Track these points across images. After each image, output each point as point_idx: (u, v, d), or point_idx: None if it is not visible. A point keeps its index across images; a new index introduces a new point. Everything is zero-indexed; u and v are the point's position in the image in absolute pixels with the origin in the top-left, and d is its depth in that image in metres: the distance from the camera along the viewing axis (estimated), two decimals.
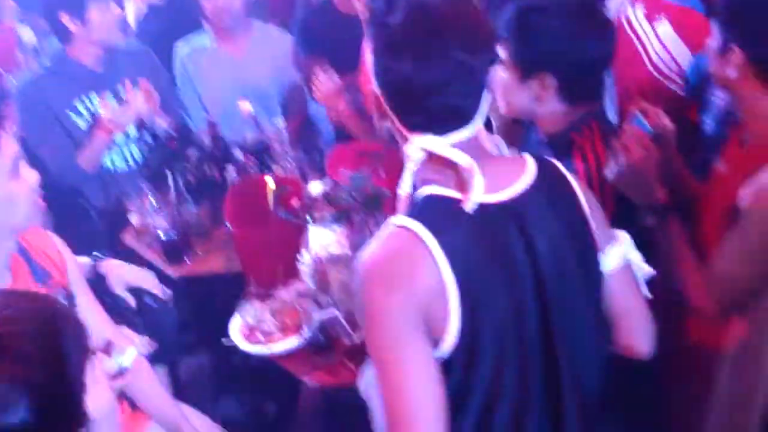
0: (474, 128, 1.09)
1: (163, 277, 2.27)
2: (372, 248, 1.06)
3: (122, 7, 3.17)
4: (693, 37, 2.15)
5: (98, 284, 1.86)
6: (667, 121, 1.65)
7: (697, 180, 1.71)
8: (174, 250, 2.30)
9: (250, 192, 2.16)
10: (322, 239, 1.87)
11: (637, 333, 1.24)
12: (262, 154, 2.48)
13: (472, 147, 1.09)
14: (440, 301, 1.01)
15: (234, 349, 1.89)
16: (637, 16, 2.32)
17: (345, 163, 2.32)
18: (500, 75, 1.56)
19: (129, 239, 2.49)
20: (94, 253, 1.89)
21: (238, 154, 2.52)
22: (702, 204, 1.64)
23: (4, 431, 0.77)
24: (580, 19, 1.53)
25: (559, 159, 1.60)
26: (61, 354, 0.86)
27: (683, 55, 2.20)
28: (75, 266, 1.79)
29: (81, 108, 2.65)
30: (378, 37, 1.07)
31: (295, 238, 2.00)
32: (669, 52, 2.24)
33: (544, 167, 1.16)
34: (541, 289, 1.08)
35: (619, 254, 1.19)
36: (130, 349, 1.54)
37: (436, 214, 1.06)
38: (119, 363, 1.47)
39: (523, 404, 1.08)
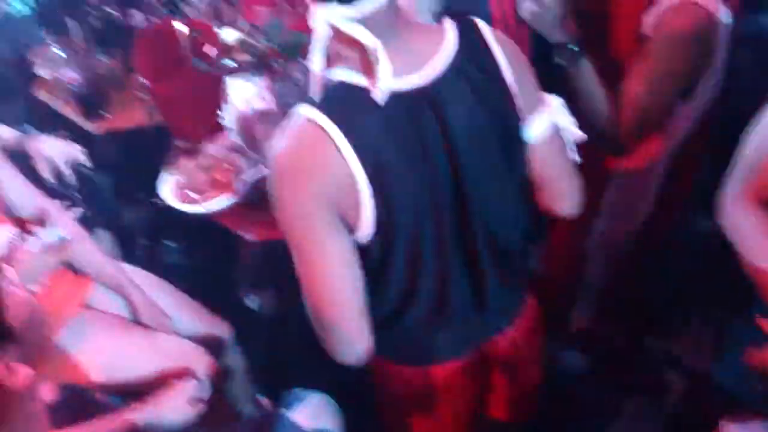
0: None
1: (86, 137, 2.21)
2: (280, 141, 1.04)
3: None
4: None
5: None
6: None
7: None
8: (90, 104, 2.19)
9: (160, 40, 2.02)
10: (243, 92, 1.80)
11: (561, 196, 1.23)
12: None
13: (385, 16, 1.00)
14: (351, 192, 1.01)
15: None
16: None
17: (260, 1, 2.17)
18: None
19: (42, 94, 2.35)
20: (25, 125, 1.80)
21: None
22: (607, 31, 1.60)
23: None
24: None
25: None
26: None
27: None
28: None
29: None
30: None
31: (215, 89, 1.92)
32: None
33: (465, 35, 1.08)
34: (457, 170, 1.07)
35: (546, 121, 1.16)
36: (65, 219, 1.55)
37: (344, 104, 1.02)
38: (58, 235, 1.49)
39: (444, 274, 1.14)
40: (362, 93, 1.01)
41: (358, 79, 1.02)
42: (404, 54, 1.03)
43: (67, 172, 1.90)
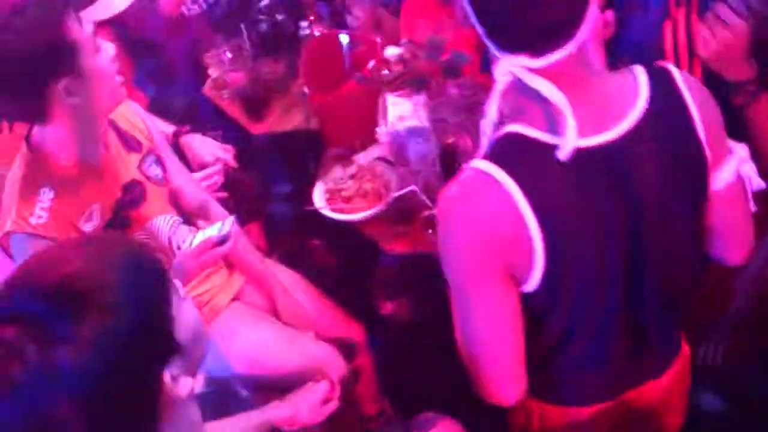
0: (575, 44, 0.95)
1: (245, 136, 2.35)
2: (451, 190, 1.03)
3: None
4: None
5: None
6: None
7: None
8: (253, 106, 2.32)
9: (325, 51, 2.11)
10: (400, 110, 1.84)
11: (736, 245, 1.19)
12: (333, 2, 2.37)
13: (572, 68, 0.97)
14: (523, 248, 0.99)
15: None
16: None
17: (421, 14, 2.20)
18: None
19: (209, 91, 2.53)
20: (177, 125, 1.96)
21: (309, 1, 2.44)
22: None
23: (94, 388, 0.80)
24: None
25: (651, 29, 1.49)
26: (145, 296, 0.87)
27: None
28: (160, 133, 1.86)
29: None
30: None
31: (373, 102, 1.98)
32: None
33: (657, 85, 1.03)
34: (638, 224, 1.03)
35: (732, 170, 1.10)
36: (228, 218, 1.66)
37: (522, 159, 0.99)
38: (220, 231, 1.60)
39: (606, 321, 1.11)
40: (543, 149, 0.98)
41: (539, 134, 0.99)
42: (592, 109, 0.98)
43: (214, 170, 2.04)
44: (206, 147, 2.10)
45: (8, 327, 0.79)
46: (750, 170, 1.15)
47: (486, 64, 2.05)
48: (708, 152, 1.05)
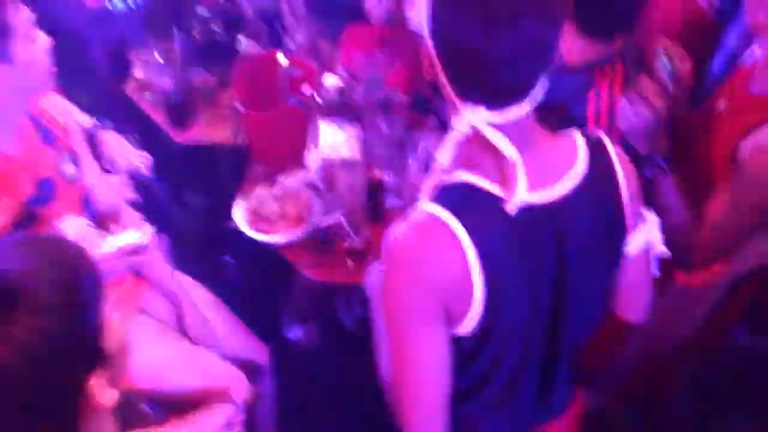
0: (530, 104, 1.02)
1: (164, 140, 2.29)
2: (401, 232, 1.05)
3: None
4: None
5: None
6: (688, 65, 1.62)
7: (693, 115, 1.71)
8: (178, 114, 2.27)
9: (262, 70, 2.10)
10: (333, 138, 1.87)
11: (637, 305, 1.29)
12: (273, 22, 2.37)
13: (523, 125, 1.03)
14: (464, 291, 1.03)
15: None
16: None
17: (361, 48, 2.25)
18: None
19: (131, 91, 2.44)
20: (95, 120, 1.88)
21: (249, 16, 2.42)
22: (698, 144, 1.63)
23: (27, 380, 0.80)
24: None
25: (575, 93, 1.60)
26: (79, 301, 0.87)
27: None
28: (78, 130, 1.79)
29: None
30: None
31: (304, 125, 1.99)
32: None
33: (593, 152, 1.11)
34: (563, 279, 1.10)
35: (644, 237, 1.19)
36: (146, 227, 1.60)
37: (471, 207, 1.03)
38: (137, 240, 1.55)
39: (524, 363, 1.17)
40: (490, 199, 1.03)
41: (488, 185, 1.04)
42: (538, 165, 1.04)
43: (125, 174, 1.98)
44: (122, 149, 2.02)
45: None
46: (656, 237, 1.26)
47: (416, 105, 2.13)
48: (629, 217, 1.15)
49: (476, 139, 1.03)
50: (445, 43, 0.98)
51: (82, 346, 0.86)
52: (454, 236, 1.01)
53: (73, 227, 1.60)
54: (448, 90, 1.03)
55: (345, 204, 1.82)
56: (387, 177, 1.90)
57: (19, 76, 1.41)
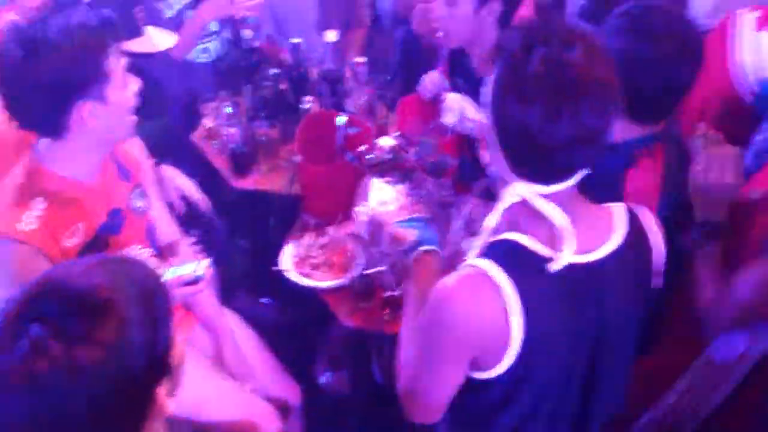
0: (577, 178, 1.11)
1: (223, 186, 2.44)
2: (449, 280, 1.12)
3: None
4: None
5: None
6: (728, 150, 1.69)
7: None
8: (240, 162, 2.43)
9: (322, 127, 2.26)
10: (382, 195, 1.97)
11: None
12: (336, 84, 2.54)
13: (568, 195, 1.12)
14: (500, 343, 1.10)
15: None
16: (743, 20, 2.25)
17: (415, 114, 2.39)
18: None
19: (198, 138, 2.63)
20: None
21: (314, 79, 2.61)
22: (735, 227, 1.65)
23: (111, 383, 0.88)
24: (668, 44, 1.51)
25: (617, 170, 1.68)
26: (156, 315, 0.96)
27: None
28: (150, 168, 1.95)
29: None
30: (508, 79, 1.05)
31: (357, 181, 2.12)
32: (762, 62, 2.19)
33: (633, 222, 1.19)
34: (599, 341, 1.17)
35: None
36: (204, 261, 1.72)
37: (518, 264, 1.10)
38: (195, 271, 1.66)
39: (552, 427, 1.23)
40: (535, 257, 1.10)
41: (534, 244, 1.11)
42: (581, 230, 1.12)
43: (184, 209, 2.12)
44: (186, 183, 2.18)
45: (35, 325, 0.86)
46: None
47: (463, 173, 2.24)
48: (657, 285, 1.23)
49: (523, 205, 1.12)
50: (506, 124, 1.07)
51: (156, 357, 0.95)
52: (497, 288, 1.08)
53: (137, 255, 1.73)
54: (503, 165, 1.12)
55: (389, 256, 1.91)
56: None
57: (110, 116, 1.53)
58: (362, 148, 2.14)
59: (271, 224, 2.41)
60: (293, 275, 2.03)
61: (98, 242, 1.64)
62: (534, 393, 1.17)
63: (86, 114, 1.49)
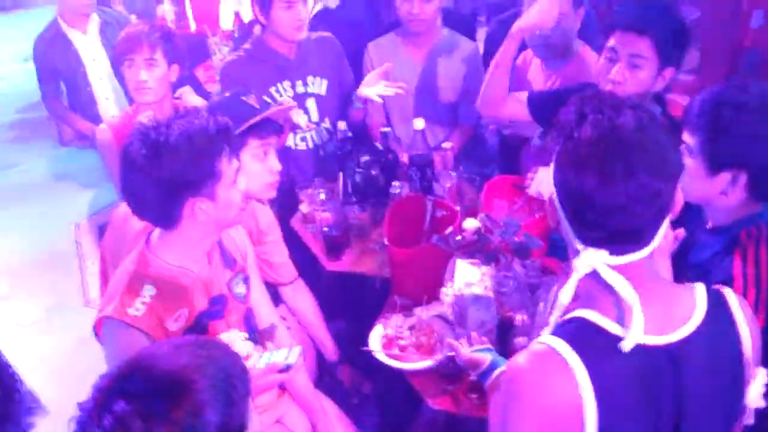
0: (650, 250, 1.11)
1: (318, 269, 2.55)
2: (520, 360, 1.13)
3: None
4: None
5: None
6: None
7: None
8: (334, 246, 2.53)
9: (410, 211, 2.34)
10: (468, 276, 2.00)
11: None
12: (425, 168, 2.63)
13: (643, 270, 1.11)
14: (575, 424, 1.08)
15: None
16: None
17: (501, 194, 2.43)
18: (686, 161, 1.56)
19: (296, 223, 2.77)
20: None
21: (404, 164, 2.73)
22: None
23: None
24: None
25: (721, 252, 1.62)
26: (232, 398, 1.03)
27: None
28: (253, 255, 2.07)
29: (274, 93, 2.91)
30: (564, 148, 1.10)
31: (443, 263, 2.15)
32: None
33: (713, 303, 1.16)
34: (679, 427, 1.12)
35: (754, 392, 1.19)
36: (296, 347, 1.79)
37: (589, 343, 1.09)
38: (286, 360, 1.73)
39: None
40: (608, 336, 1.10)
41: (606, 323, 1.11)
42: (656, 310, 1.11)
43: None
44: None
45: (121, 401, 0.96)
46: (756, 394, 1.22)
47: (551, 251, 2.23)
48: (749, 374, 1.16)
49: (596, 279, 1.12)
50: (566, 191, 1.11)
51: None
52: (568, 367, 1.08)
53: (234, 340, 1.82)
54: (570, 235, 1.15)
55: (474, 338, 1.91)
56: (518, 317, 1.99)
57: (218, 211, 1.66)
58: (449, 230, 2.19)
59: (363, 305, 2.47)
60: (381, 356, 2.06)
61: (199, 327, 1.75)
62: None
63: (197, 209, 1.63)
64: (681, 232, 1.67)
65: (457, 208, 2.36)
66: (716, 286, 1.22)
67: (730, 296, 1.20)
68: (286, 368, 1.71)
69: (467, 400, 1.91)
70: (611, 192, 1.05)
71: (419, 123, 2.71)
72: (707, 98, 1.58)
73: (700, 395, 1.13)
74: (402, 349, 2.08)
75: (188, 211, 1.63)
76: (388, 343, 2.10)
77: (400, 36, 3.12)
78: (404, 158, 2.85)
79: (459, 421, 1.95)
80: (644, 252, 1.10)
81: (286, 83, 2.90)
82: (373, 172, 2.70)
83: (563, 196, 1.12)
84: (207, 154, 1.60)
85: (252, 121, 2.02)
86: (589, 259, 1.11)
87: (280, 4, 2.73)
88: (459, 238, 2.19)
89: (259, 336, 1.98)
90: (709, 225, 1.68)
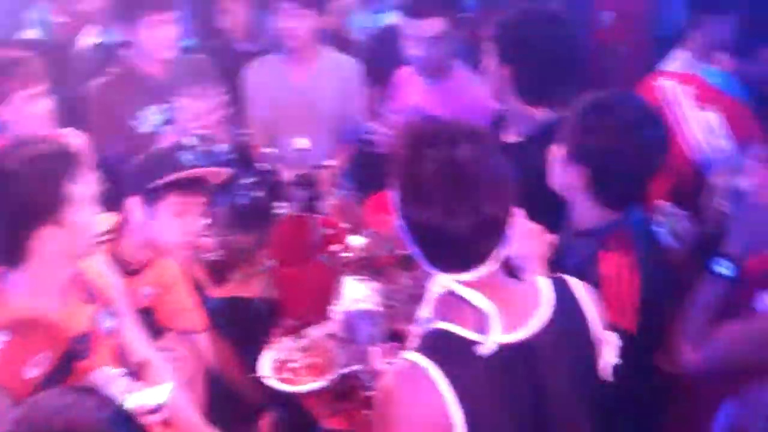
0: (497, 262, 1.17)
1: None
2: (387, 378, 1.17)
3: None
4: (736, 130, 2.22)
5: None
6: (686, 224, 1.75)
7: None
8: (219, 271, 2.45)
9: (295, 231, 2.30)
10: (356, 293, 1.99)
11: None
12: (309, 187, 2.61)
13: (490, 277, 1.17)
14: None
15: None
16: (681, 98, 2.37)
17: (386, 210, 2.44)
18: (556, 149, 1.68)
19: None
20: None
21: (288, 183, 2.69)
22: None
23: None
24: (637, 131, 1.60)
25: (588, 257, 1.70)
26: None
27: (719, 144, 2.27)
28: (120, 288, 1.96)
29: (142, 114, 2.78)
30: (407, 184, 1.14)
31: (331, 282, 2.14)
32: (708, 139, 2.30)
33: (559, 291, 1.23)
34: (545, 417, 1.17)
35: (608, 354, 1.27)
36: (166, 385, 1.69)
37: (450, 353, 1.14)
38: (156, 399, 1.63)
39: None
40: (467, 343, 1.14)
41: (465, 332, 1.15)
42: (508, 309, 1.16)
43: None
44: None
45: None
46: (611, 357, 1.30)
47: None
48: (598, 348, 1.25)
49: (451, 293, 1.17)
50: (412, 224, 1.15)
51: None
52: (431, 381, 1.11)
53: (105, 378, 1.69)
54: (422, 260, 1.19)
55: (365, 353, 1.90)
56: (408, 329, 1.99)
57: (70, 240, 1.56)
58: (335, 247, 2.18)
59: (250, 330, 2.39)
60: (273, 382, 2.00)
61: (63, 369, 1.62)
62: None
63: (46, 239, 1.52)
64: (555, 237, 1.74)
65: (343, 225, 2.35)
66: (556, 275, 1.30)
67: (571, 281, 1.28)
68: (157, 408, 1.61)
69: (360, 417, 1.89)
70: (455, 226, 1.10)
71: (302, 142, 2.69)
72: (583, 103, 1.69)
73: (559, 380, 1.18)
74: (294, 372, 2.03)
75: (37, 244, 1.53)
76: (280, 367, 2.05)
77: (281, 56, 3.10)
78: (288, 178, 2.81)
79: None
80: (491, 264, 1.16)
81: (154, 108, 2.80)
82: (257, 194, 2.64)
83: (410, 227, 1.16)
84: (51, 175, 1.51)
85: (169, 179, 1.92)
86: (443, 280, 1.16)
87: (147, 20, 2.63)
88: (347, 255, 2.18)
89: (136, 371, 1.86)
90: (575, 230, 1.77)
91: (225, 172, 2.08)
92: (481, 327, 1.14)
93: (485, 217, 1.10)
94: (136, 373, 1.85)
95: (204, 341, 2.24)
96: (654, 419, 1.78)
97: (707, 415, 1.73)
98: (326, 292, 2.13)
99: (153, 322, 2.10)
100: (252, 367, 2.05)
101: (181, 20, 2.85)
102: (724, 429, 1.74)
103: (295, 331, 2.14)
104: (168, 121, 2.79)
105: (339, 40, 3.46)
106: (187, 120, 2.69)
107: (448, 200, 1.09)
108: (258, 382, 2.02)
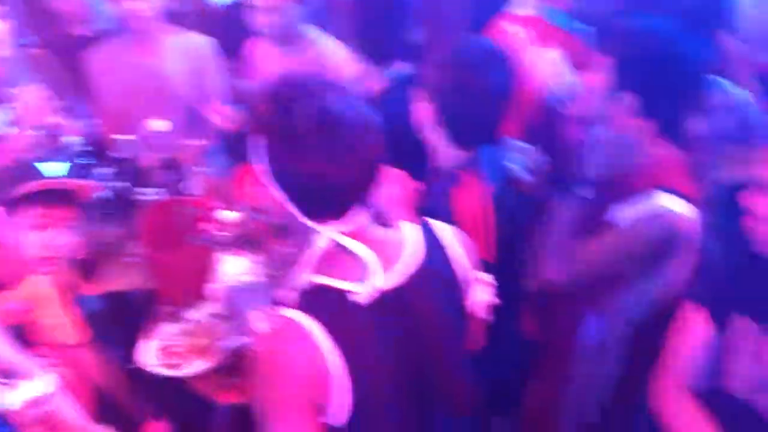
0: (367, 211, 1.19)
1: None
2: (265, 337, 1.17)
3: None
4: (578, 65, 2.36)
5: None
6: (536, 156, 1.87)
7: None
8: (88, 268, 2.33)
9: (163, 215, 2.23)
10: (234, 267, 1.97)
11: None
12: (173, 169, 2.53)
13: (363, 226, 1.19)
14: (329, 384, 1.14)
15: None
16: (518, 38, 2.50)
17: (251, 182, 2.41)
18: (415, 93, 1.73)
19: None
20: None
21: (151, 168, 2.58)
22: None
23: None
24: (482, 71, 1.68)
25: (445, 192, 1.77)
26: None
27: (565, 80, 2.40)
28: None
29: None
30: (279, 138, 1.12)
31: (207, 260, 2.09)
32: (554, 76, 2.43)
33: (427, 237, 1.27)
34: (419, 360, 1.23)
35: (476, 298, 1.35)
36: (49, 376, 1.61)
37: (326, 304, 1.15)
38: (41, 390, 1.55)
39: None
40: (345, 294, 1.15)
41: (341, 284, 1.16)
42: (379, 257, 1.18)
43: None
44: None
45: None
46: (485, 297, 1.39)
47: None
48: (465, 284, 1.31)
49: (330, 247, 1.18)
50: (287, 179, 1.14)
51: None
52: (307, 334, 1.13)
53: None
54: (298, 215, 1.18)
55: (252, 325, 1.89)
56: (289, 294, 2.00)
57: None
58: (208, 226, 2.13)
59: (131, 323, 2.30)
60: (159, 369, 1.95)
61: None
62: (376, 421, 1.20)
63: None
64: (420, 184, 1.80)
65: (214, 203, 2.30)
66: (423, 219, 1.34)
67: (437, 225, 1.33)
68: (44, 399, 1.54)
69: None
70: (334, 173, 1.10)
71: (159, 124, 2.59)
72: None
73: (430, 321, 1.22)
74: (180, 356, 1.99)
75: None
76: (161, 354, 2.00)
77: (124, 38, 2.94)
78: (150, 162, 2.70)
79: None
80: (365, 212, 1.18)
81: None
82: (119, 184, 2.52)
83: (284, 182, 1.14)
84: None
85: (26, 190, 1.77)
86: (322, 234, 1.17)
87: None
88: (222, 233, 2.14)
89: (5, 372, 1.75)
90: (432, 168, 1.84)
91: (90, 185, 1.92)
92: (361, 275, 1.15)
93: (362, 162, 1.12)
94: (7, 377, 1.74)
95: (85, 356, 2.13)
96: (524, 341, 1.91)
97: (572, 329, 1.87)
98: (203, 274, 2.09)
99: (25, 339, 1.99)
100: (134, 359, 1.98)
101: (10, 14, 2.65)
102: (590, 341, 1.90)
103: (175, 318, 2.09)
104: (12, 122, 2.60)
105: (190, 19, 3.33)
106: (28, 117, 2.53)
107: (325, 148, 1.09)
108: (145, 384, 1.96)
